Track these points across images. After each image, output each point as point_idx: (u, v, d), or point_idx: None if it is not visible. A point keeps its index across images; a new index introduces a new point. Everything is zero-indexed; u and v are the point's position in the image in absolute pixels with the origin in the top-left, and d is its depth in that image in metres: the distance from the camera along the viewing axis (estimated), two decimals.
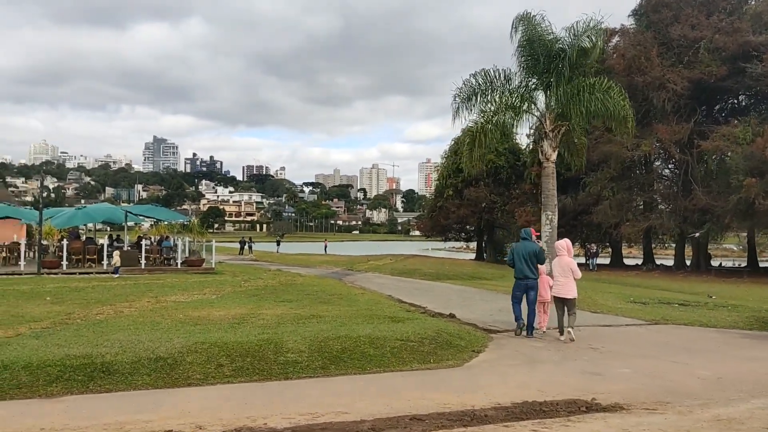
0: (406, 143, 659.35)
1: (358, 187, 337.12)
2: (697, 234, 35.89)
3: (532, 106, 20.02)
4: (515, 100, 20.02)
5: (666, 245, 52.87)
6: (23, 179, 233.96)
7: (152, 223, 33.16)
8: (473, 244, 77.98)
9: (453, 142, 57.84)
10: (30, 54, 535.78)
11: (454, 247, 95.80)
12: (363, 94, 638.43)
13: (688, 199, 37.18)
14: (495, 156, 53.41)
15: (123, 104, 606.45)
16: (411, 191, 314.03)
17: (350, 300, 17.15)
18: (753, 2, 38.25)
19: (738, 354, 9.59)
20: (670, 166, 43.08)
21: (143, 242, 27.60)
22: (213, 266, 27.31)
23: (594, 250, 33.95)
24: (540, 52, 19.72)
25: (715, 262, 45.24)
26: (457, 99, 20.81)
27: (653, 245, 48.31)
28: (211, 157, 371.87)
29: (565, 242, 11.04)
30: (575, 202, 41.32)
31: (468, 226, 60.17)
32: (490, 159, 54.02)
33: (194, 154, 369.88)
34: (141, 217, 29.96)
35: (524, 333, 11.05)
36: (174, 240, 28.42)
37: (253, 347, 8.45)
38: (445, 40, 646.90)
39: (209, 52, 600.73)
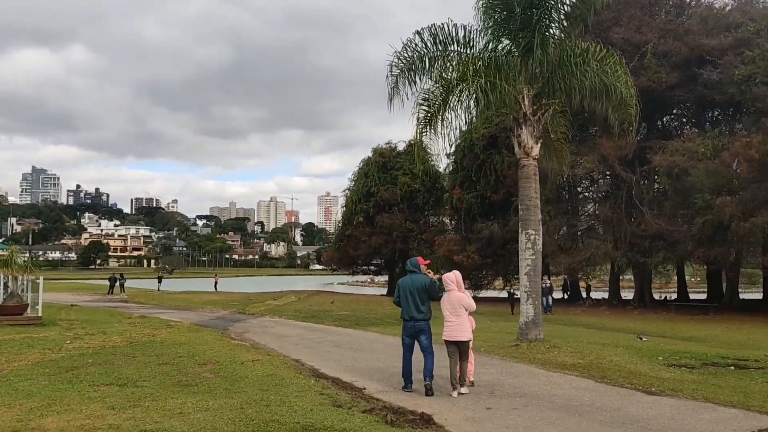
0: (304, 177, 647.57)
1: (256, 221, 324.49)
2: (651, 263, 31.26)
3: (504, 80, 13.77)
4: (480, 69, 13.76)
5: (591, 277, 48.80)
6: None
7: None
8: (381, 278, 71.74)
9: (362, 164, 51.79)
10: None
11: (359, 281, 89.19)
12: (259, 127, 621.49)
13: (634, 224, 32.61)
14: (410, 178, 47.85)
15: None
16: (311, 224, 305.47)
17: (232, 377, 10.02)
18: (694, 5, 34.82)
19: None
20: (600, 186, 38.59)
21: None
22: (40, 314, 19.15)
23: (547, 285, 27.90)
24: (514, 0, 13.71)
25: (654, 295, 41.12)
26: (394, 69, 14.38)
27: (580, 276, 43.73)
28: (97, 189, 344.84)
29: (455, 275, 9.37)
30: (504, 228, 36.03)
31: (378, 258, 53.84)
32: (404, 182, 48.45)
33: (78, 186, 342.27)
34: None
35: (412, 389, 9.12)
36: None
37: None
38: (339, 75, 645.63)
39: (94, 80, 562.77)
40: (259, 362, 11.67)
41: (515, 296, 26.19)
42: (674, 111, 36.75)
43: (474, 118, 16.75)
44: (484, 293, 45.94)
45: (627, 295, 40.15)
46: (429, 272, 9.63)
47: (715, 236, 27.32)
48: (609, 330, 21.39)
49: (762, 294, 40.38)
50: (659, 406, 8.23)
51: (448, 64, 13.86)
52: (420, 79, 14.31)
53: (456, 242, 40.65)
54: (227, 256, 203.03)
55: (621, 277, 42.00)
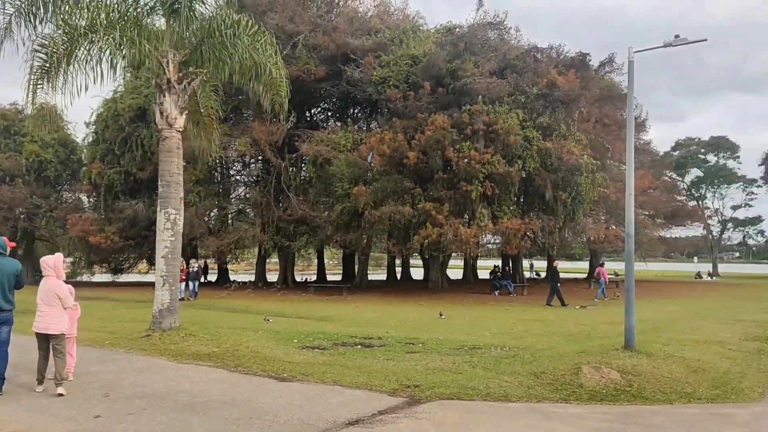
0: None
1: None
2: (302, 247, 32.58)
3: (146, 39, 12.24)
4: (116, 20, 12.00)
5: (240, 260, 49.29)
6: None
7: None
8: None
9: None
10: None
11: None
12: None
13: (282, 209, 33.55)
14: (39, 147, 41.64)
15: None
16: None
17: None
18: (342, 5, 37.21)
19: None
20: (252, 170, 38.90)
21: None
22: None
23: (195, 269, 26.47)
24: None
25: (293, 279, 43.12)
26: (8, 7, 11.69)
27: (229, 259, 43.61)
28: None
29: (54, 259, 8.26)
30: (150, 208, 33.73)
31: None
32: (32, 150, 41.91)
33: None
34: None
35: None
36: None
37: None
38: None
39: None
40: None
41: None
42: (322, 104, 38.83)
43: (119, 84, 14.84)
44: (125, 277, 42.75)
45: (273, 277, 41.36)
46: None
47: (351, 222, 29.60)
48: (252, 313, 21.29)
49: (386, 275, 45.77)
50: (290, 393, 7.97)
51: (77, 9, 11.75)
52: (42, 24, 11.90)
53: (94, 222, 36.65)
54: None
55: (267, 260, 43.12)
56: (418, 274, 46.74)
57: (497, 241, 33.84)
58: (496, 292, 31.48)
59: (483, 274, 44.27)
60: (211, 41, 12.97)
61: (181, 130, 12.96)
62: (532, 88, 29.65)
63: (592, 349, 10.30)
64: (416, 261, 49.81)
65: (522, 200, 32.80)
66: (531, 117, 29.55)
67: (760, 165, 68.51)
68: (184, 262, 28.53)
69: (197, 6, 12.93)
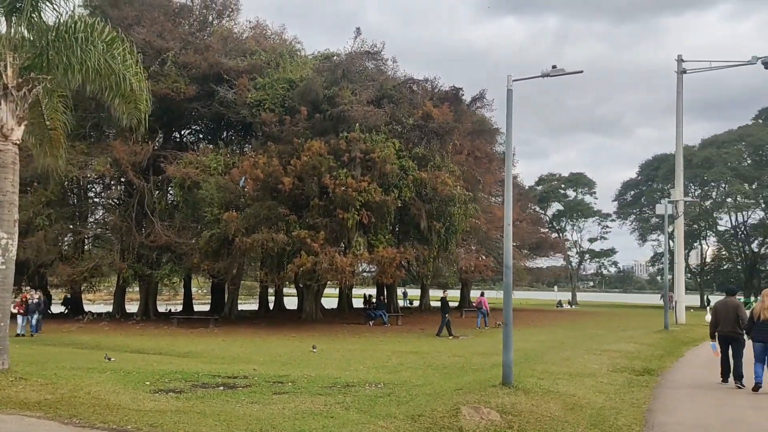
0: None
1: None
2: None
3: None
4: None
5: (96, 289, 45.46)
6: None
7: None
8: None
9: None
10: None
11: None
12: None
13: (144, 235, 31.28)
14: None
15: None
16: None
17: None
18: (216, 24, 35.88)
19: None
20: (112, 192, 36.07)
21: None
22: None
23: (35, 300, 23.33)
24: None
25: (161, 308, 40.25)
26: None
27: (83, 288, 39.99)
28: None
29: None
30: None
31: None
32: None
33: None
34: None
35: None
36: None
37: None
38: None
39: None
40: None
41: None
42: (192, 125, 37.03)
43: None
44: None
45: (134, 308, 38.42)
46: None
47: (221, 250, 28.09)
48: (104, 349, 19.25)
49: (258, 305, 44.04)
50: None
51: None
52: None
53: None
54: None
55: (128, 290, 40.10)
56: (291, 303, 45.43)
57: (372, 269, 33.54)
58: (371, 323, 31.06)
59: (358, 302, 43.80)
60: (59, 44, 11.53)
61: (18, 142, 11.36)
62: (408, 118, 29.90)
63: (469, 384, 9.92)
64: (290, 290, 48.54)
65: (397, 229, 32.81)
66: (407, 147, 29.73)
67: (613, 201, 74.09)
68: (32, 290, 25.74)
69: (45, 6, 11.48)
